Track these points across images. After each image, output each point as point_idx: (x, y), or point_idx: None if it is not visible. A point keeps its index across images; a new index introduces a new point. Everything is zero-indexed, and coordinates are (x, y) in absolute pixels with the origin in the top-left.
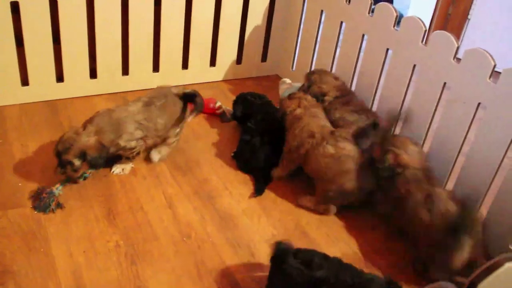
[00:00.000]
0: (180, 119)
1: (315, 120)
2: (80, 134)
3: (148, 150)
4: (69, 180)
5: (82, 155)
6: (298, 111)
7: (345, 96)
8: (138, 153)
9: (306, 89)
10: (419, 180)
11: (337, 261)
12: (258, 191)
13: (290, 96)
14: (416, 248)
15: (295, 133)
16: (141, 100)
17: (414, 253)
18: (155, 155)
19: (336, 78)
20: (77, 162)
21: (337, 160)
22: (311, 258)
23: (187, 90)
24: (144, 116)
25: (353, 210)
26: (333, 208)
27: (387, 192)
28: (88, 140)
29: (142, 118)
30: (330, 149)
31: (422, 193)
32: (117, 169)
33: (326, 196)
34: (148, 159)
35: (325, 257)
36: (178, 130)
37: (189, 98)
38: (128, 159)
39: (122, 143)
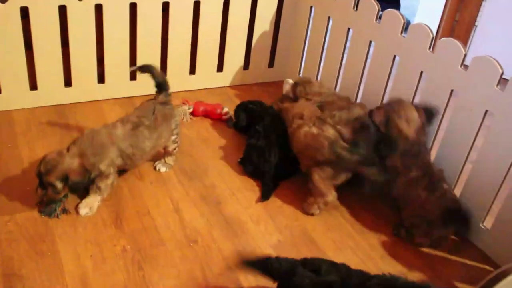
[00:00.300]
0: (174, 127)
1: (307, 105)
2: (64, 156)
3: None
4: (51, 202)
5: (65, 178)
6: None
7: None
8: (112, 184)
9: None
10: (416, 154)
11: (344, 266)
12: (264, 196)
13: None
14: (402, 216)
15: (289, 117)
16: (130, 121)
17: (400, 220)
18: (162, 167)
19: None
20: (59, 185)
21: (316, 139)
22: (319, 266)
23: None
24: (129, 142)
25: (359, 216)
26: (329, 192)
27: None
28: (72, 162)
29: (127, 146)
30: (314, 130)
31: (418, 170)
32: (84, 209)
33: (310, 174)
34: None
35: (332, 263)
36: (175, 137)
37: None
38: (99, 190)
39: (102, 167)
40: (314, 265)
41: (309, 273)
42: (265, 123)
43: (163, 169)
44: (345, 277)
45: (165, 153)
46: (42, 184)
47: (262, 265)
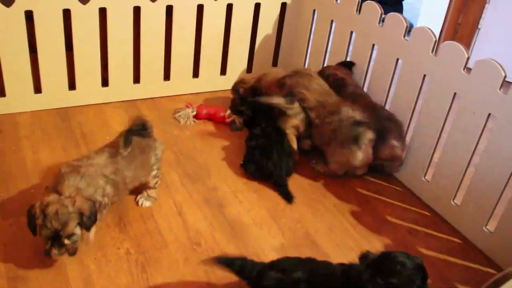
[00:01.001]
0: (154, 161)
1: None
2: (63, 200)
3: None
4: (75, 251)
5: (81, 220)
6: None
7: None
8: (105, 209)
9: None
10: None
11: (309, 260)
12: (287, 198)
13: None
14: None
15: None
16: (106, 151)
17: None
18: (146, 202)
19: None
20: (78, 231)
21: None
22: (285, 265)
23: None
24: (112, 169)
25: (361, 218)
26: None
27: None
28: (75, 200)
29: (110, 172)
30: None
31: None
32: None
33: None
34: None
35: (299, 260)
36: (155, 172)
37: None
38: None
39: (99, 198)
40: (280, 266)
41: (276, 274)
42: (263, 125)
43: (146, 204)
44: (312, 270)
45: (147, 187)
46: (58, 241)
47: (238, 265)
